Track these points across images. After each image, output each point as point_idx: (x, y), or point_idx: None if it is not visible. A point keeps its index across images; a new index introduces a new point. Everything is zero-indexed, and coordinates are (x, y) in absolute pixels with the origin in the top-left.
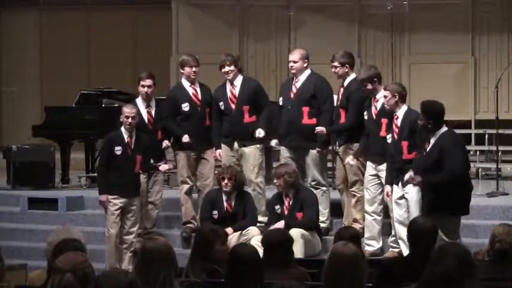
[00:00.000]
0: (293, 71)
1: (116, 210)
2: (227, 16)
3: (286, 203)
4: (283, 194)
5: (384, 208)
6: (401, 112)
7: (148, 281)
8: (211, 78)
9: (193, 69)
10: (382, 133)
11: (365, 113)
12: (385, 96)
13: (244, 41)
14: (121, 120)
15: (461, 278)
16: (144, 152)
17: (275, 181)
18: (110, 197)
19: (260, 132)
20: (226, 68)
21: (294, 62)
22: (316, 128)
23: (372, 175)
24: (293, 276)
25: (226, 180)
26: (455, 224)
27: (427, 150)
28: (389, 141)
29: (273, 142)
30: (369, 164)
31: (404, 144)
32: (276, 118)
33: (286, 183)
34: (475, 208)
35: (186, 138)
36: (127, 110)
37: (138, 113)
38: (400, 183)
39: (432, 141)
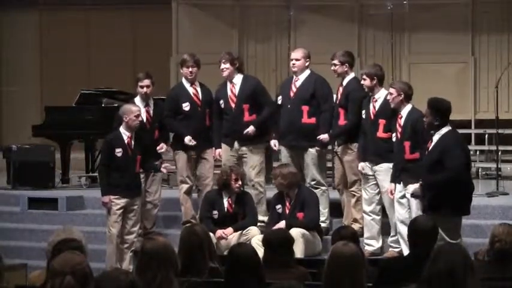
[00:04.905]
0: (294, 69)
1: (118, 209)
2: (227, 16)
3: (287, 202)
4: (284, 193)
5: (382, 208)
6: (405, 111)
7: (147, 281)
8: (211, 78)
9: (190, 69)
10: (380, 134)
11: (363, 112)
12: (390, 94)
13: (244, 41)
14: (126, 120)
15: (460, 278)
16: (144, 151)
17: (280, 180)
18: (112, 197)
19: (251, 128)
20: (222, 66)
21: (297, 59)
22: (319, 137)
23: (369, 175)
24: (293, 276)
25: (240, 181)
26: (457, 224)
27: (429, 148)
28: (394, 139)
29: (272, 143)
30: (366, 164)
31: (407, 144)
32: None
33: (290, 183)
34: (475, 208)
35: (189, 140)
36: (135, 109)
37: None
38: (401, 183)
39: (435, 139)
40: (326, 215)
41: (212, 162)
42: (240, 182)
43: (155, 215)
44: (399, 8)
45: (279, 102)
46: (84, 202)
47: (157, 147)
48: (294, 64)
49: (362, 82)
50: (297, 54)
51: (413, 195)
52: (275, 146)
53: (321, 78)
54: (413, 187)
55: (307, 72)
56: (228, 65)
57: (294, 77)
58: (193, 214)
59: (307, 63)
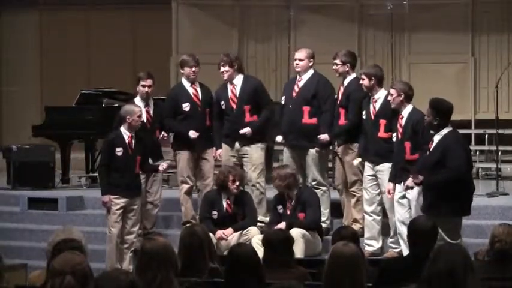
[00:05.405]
0: (298, 69)
1: (118, 209)
2: (227, 16)
3: (288, 203)
4: (285, 194)
5: (383, 208)
6: (406, 112)
7: (147, 281)
8: (211, 78)
9: (193, 69)
10: (381, 134)
11: (363, 112)
12: (391, 94)
13: (244, 41)
14: (129, 121)
15: (460, 278)
16: (144, 152)
17: (278, 182)
18: (112, 196)
19: (247, 130)
20: (221, 69)
21: (300, 59)
22: (319, 136)
23: (369, 175)
24: (293, 276)
25: (238, 183)
26: (457, 224)
27: (431, 149)
28: (394, 139)
29: (278, 138)
30: (366, 164)
31: (408, 144)
32: (277, 117)
33: (288, 185)
34: (475, 208)
35: (193, 134)
36: (138, 109)
37: None
38: (402, 183)
39: (436, 140)
40: (327, 215)
41: (213, 162)
42: (237, 183)
43: (155, 215)
44: (399, 8)
45: (283, 102)
46: (84, 202)
47: (160, 136)
48: (297, 64)
49: (361, 82)
50: (301, 54)
51: (408, 187)
52: (282, 141)
53: (324, 78)
54: (408, 181)
55: (311, 72)
56: (227, 68)
57: (298, 77)
58: (194, 214)
59: (310, 64)
